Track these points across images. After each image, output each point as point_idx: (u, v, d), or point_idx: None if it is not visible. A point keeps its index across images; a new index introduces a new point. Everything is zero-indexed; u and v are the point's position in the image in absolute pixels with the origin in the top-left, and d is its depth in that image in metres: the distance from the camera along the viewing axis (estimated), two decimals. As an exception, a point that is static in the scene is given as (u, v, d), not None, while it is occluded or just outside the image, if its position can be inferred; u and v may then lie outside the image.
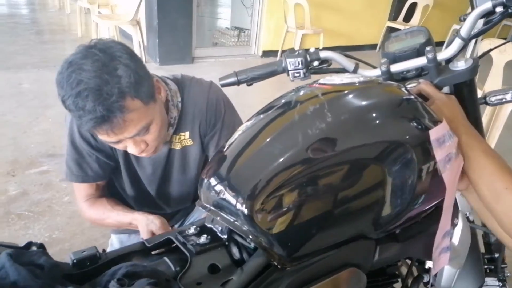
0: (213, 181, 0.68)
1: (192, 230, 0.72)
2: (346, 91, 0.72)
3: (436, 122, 0.67)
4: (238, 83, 1.02)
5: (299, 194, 0.62)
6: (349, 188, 0.64)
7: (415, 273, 0.99)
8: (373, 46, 5.79)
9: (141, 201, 1.22)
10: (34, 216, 1.93)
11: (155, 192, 1.21)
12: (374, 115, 0.67)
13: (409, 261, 0.95)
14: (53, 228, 1.86)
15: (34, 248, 0.65)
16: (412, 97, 0.71)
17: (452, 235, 0.87)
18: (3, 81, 3.51)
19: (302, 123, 0.67)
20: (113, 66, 0.82)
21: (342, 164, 0.64)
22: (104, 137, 0.88)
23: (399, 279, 0.97)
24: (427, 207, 0.74)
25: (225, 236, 0.69)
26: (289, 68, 0.96)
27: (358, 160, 0.65)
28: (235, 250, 0.68)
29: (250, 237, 0.62)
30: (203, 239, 0.69)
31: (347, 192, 0.64)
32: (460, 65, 0.79)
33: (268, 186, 0.61)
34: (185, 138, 1.12)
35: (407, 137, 0.67)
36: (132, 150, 0.93)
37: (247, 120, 0.78)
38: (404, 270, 1.00)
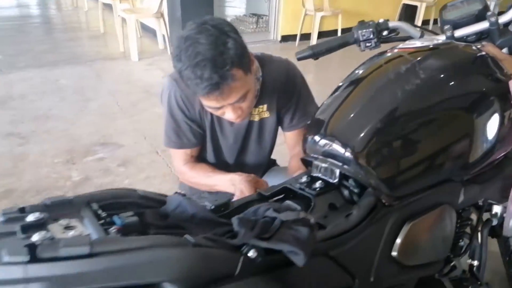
0: (321, 134, 0.80)
1: (304, 179, 0.84)
2: (430, 52, 0.83)
3: (508, 76, 0.79)
4: (313, 56, 1.13)
5: (401, 141, 0.75)
6: (442, 135, 0.76)
7: (484, 218, 1.10)
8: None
9: (219, 169, 1.35)
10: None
11: (233, 162, 1.34)
12: (459, 70, 0.79)
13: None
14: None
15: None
16: (485, 54, 0.82)
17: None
18: (40, 79, 3.66)
19: (398, 80, 0.79)
20: (224, 40, 0.94)
21: (437, 114, 0.76)
22: (212, 103, 1.00)
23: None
24: (506, 151, 0.85)
25: (336, 180, 0.81)
26: (361, 39, 1.07)
27: (451, 109, 0.77)
28: (346, 193, 0.79)
29: (360, 177, 0.74)
30: (318, 184, 0.81)
31: (441, 139, 0.76)
32: None
33: (374, 134, 0.74)
34: (263, 111, 1.24)
35: (489, 88, 0.78)
36: (230, 115, 1.05)
37: (341, 84, 0.89)
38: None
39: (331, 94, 0.88)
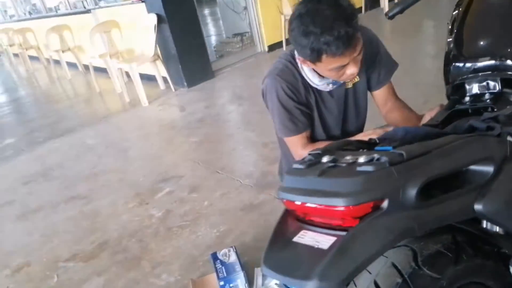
0: (463, 58, 0.96)
1: (466, 99, 0.98)
2: None
3: None
4: (402, 11, 1.30)
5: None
6: None
7: None
8: (359, 9, 6.15)
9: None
10: (191, 223, 2.18)
11: (339, 133, 1.48)
12: None
13: None
14: (215, 225, 2.11)
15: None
16: None
17: None
18: (67, 145, 3.73)
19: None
20: (339, 1, 1.09)
21: None
22: (341, 61, 1.12)
23: None
24: None
25: (498, 88, 0.93)
26: None
27: None
28: (508, 91, 0.94)
29: None
30: (484, 97, 0.94)
31: None
32: None
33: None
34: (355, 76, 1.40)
35: None
36: (352, 70, 1.17)
37: (454, 19, 1.06)
38: None
39: (453, 24, 1.04)
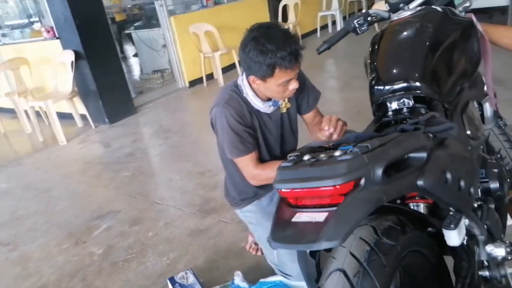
0: (383, 81, 1.22)
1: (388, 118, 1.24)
2: (421, 15, 1.32)
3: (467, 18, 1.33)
4: (329, 48, 1.57)
5: (440, 67, 1.21)
6: (455, 54, 1.25)
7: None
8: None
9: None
10: (138, 255, 2.14)
11: (279, 153, 1.67)
12: (444, 20, 1.30)
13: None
14: (164, 254, 2.11)
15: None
16: (447, 10, 1.35)
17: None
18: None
19: (420, 33, 1.26)
20: (281, 25, 1.34)
21: (448, 46, 1.25)
22: (289, 75, 1.35)
23: None
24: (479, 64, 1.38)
25: (412, 104, 1.19)
26: (357, 26, 1.53)
27: (452, 42, 1.27)
28: (422, 110, 1.21)
29: (429, 94, 1.16)
30: (402, 112, 1.21)
31: (453, 62, 1.25)
32: None
33: (425, 67, 1.19)
34: (286, 103, 1.63)
35: (463, 24, 1.30)
36: (294, 85, 1.41)
37: (373, 48, 1.33)
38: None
39: (373, 57, 1.31)
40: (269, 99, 1.52)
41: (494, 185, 1.19)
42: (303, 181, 0.77)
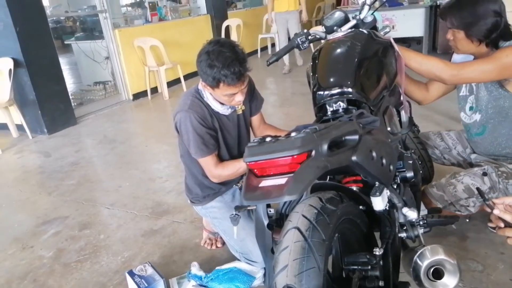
0: (323, 88, 1.49)
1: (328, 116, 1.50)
2: (351, 36, 1.62)
3: (386, 38, 1.66)
4: (277, 59, 1.82)
5: (367, 77, 1.51)
6: (377, 68, 1.56)
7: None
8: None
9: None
10: (91, 256, 2.17)
11: (236, 152, 1.88)
12: (369, 40, 1.62)
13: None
14: (118, 253, 2.17)
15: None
16: (371, 33, 1.67)
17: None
18: None
19: (347, 49, 1.55)
20: (237, 47, 1.55)
21: (372, 61, 1.56)
22: (233, 90, 1.56)
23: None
24: (396, 77, 1.71)
25: (345, 106, 1.48)
26: (300, 43, 1.80)
27: (375, 58, 1.58)
28: (350, 107, 1.49)
29: (358, 97, 1.44)
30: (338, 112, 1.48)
31: (377, 69, 1.55)
32: (369, 19, 1.77)
33: (356, 77, 1.48)
34: (241, 106, 1.85)
35: (384, 44, 1.62)
36: (239, 98, 1.62)
37: (314, 62, 1.60)
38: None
39: (314, 68, 1.57)
40: None
41: (410, 174, 1.50)
42: (267, 153, 0.98)
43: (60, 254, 2.23)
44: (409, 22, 5.65)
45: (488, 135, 1.86)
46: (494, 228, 1.86)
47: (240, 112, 1.85)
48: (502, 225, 1.03)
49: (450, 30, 1.76)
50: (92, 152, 3.89)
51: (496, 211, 1.02)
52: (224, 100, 1.66)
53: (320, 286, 0.92)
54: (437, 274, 1.14)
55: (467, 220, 1.97)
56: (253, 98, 1.90)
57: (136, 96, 5.64)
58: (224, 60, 1.51)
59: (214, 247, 2.09)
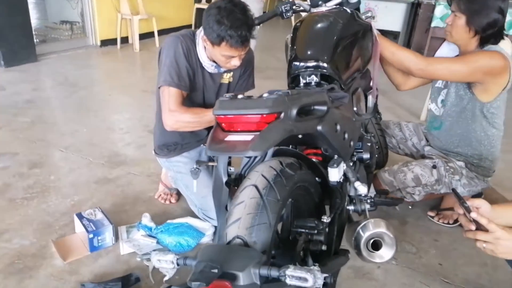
0: (299, 59, 1.50)
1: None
2: (335, 12, 1.63)
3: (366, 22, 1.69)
4: (259, 24, 1.80)
5: (343, 54, 1.54)
6: (355, 48, 1.59)
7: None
8: (189, 26, 6.72)
9: None
10: (39, 195, 2.11)
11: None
12: (351, 20, 1.64)
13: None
14: (68, 196, 2.12)
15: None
16: (354, 13, 1.70)
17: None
18: None
19: (328, 24, 1.56)
20: (248, 11, 1.51)
21: (351, 41, 1.58)
22: (234, 52, 1.53)
23: None
24: (369, 62, 1.76)
25: (317, 80, 1.50)
26: (284, 11, 1.80)
27: (354, 38, 1.61)
28: (323, 82, 1.52)
29: (331, 73, 1.47)
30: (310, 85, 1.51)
31: (354, 50, 1.58)
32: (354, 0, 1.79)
33: (332, 52, 1.50)
34: (230, 77, 1.83)
35: (364, 26, 1.66)
36: (236, 62, 1.59)
37: (295, 33, 1.61)
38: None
39: (293, 39, 1.58)
40: (214, 61, 1.68)
41: (366, 155, 1.57)
42: (238, 109, 0.99)
43: (6, 189, 2.15)
44: (389, 15, 5.74)
45: (444, 132, 1.97)
46: (433, 217, 2.04)
47: (226, 81, 1.81)
48: (473, 228, 1.03)
49: (452, 14, 1.78)
50: (50, 93, 3.71)
51: (473, 214, 1.02)
52: (219, 60, 1.61)
53: (269, 241, 0.96)
54: (376, 246, 1.22)
55: (410, 207, 2.11)
56: (244, 75, 1.85)
57: (104, 43, 5.38)
58: (234, 20, 1.46)
59: (168, 202, 2.10)
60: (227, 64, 1.62)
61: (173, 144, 1.87)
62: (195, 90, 1.75)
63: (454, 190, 1.19)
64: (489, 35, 1.71)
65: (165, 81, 1.63)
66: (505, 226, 1.01)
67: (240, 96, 1.06)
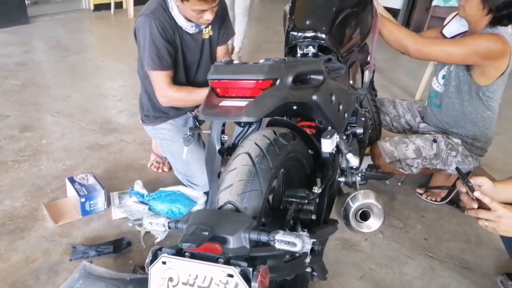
0: (298, 29, 1.48)
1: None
2: None
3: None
4: None
5: (341, 25, 1.51)
6: (354, 21, 1.57)
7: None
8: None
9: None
10: (30, 158, 2.10)
11: (193, 76, 1.82)
12: None
13: None
14: (60, 160, 2.11)
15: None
16: None
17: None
18: None
19: None
20: None
21: (351, 13, 1.55)
22: (202, 5, 1.50)
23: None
24: (368, 35, 1.74)
25: (314, 51, 1.49)
26: None
27: (354, 10, 1.58)
28: (320, 53, 1.50)
29: (329, 44, 1.45)
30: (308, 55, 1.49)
31: (354, 22, 1.56)
32: None
33: (331, 22, 1.48)
34: (209, 30, 1.79)
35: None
36: (208, 16, 1.56)
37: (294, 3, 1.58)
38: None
39: (292, 9, 1.55)
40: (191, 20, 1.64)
41: (360, 130, 1.57)
42: (233, 74, 0.98)
43: (1, 149, 2.13)
44: (391, -8, 5.63)
45: (442, 111, 1.97)
46: (421, 194, 2.08)
47: (207, 36, 1.78)
48: (475, 206, 1.04)
49: None
50: (42, 56, 3.62)
51: (477, 193, 1.02)
52: (191, 16, 1.58)
53: (259, 208, 0.97)
54: (364, 217, 1.25)
55: (400, 183, 2.14)
56: (223, 26, 1.83)
57: (98, 7, 5.23)
58: None
59: (160, 170, 2.10)
60: (200, 20, 1.60)
61: (159, 111, 1.85)
62: (181, 58, 1.73)
63: (458, 168, 1.20)
64: (503, 15, 1.68)
65: (148, 65, 1.63)
66: (506, 202, 1.03)
67: (236, 62, 1.05)
